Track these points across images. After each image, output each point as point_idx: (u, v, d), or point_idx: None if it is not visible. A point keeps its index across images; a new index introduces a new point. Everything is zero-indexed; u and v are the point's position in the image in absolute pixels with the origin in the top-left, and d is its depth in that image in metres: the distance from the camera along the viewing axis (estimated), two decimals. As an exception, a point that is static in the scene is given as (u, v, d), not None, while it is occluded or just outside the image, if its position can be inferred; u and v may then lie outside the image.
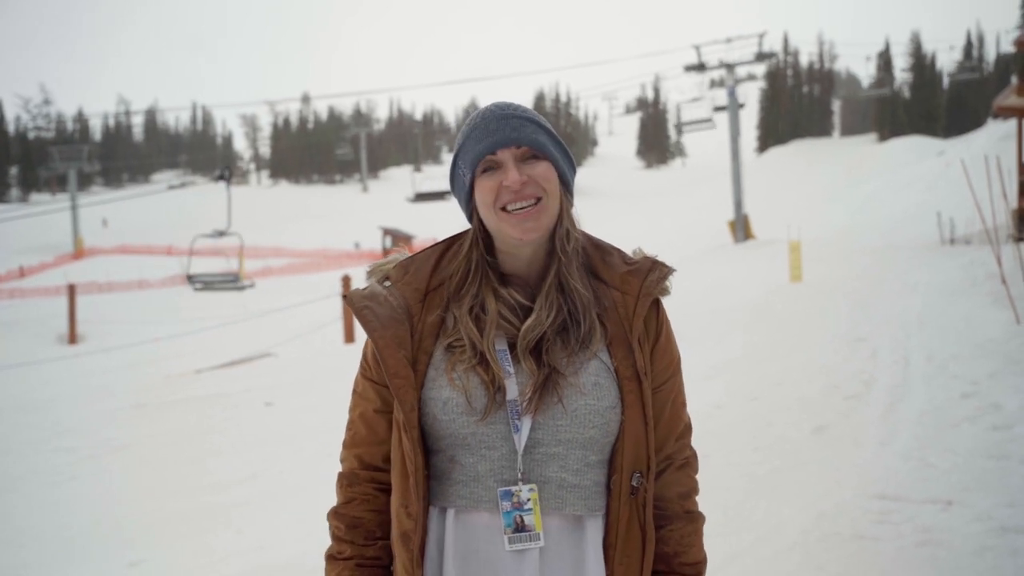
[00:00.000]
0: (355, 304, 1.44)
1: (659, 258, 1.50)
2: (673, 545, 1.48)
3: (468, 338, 1.40)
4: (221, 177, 25.78)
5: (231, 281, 26.69)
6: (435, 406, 1.38)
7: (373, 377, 1.47)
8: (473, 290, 1.44)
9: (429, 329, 1.43)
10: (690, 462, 1.54)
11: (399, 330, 1.41)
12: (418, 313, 1.44)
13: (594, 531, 1.39)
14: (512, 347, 1.41)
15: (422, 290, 1.46)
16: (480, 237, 1.46)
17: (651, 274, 1.47)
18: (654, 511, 1.47)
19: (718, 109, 37.22)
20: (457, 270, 1.46)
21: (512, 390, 1.37)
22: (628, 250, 1.54)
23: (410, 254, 1.52)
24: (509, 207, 1.39)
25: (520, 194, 1.39)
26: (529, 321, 1.40)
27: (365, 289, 1.48)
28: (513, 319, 1.42)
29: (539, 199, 1.40)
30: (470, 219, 1.48)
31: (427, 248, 1.52)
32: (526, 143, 1.40)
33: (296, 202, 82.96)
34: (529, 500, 1.35)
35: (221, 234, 24.11)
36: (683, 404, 1.54)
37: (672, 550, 1.48)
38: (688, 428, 1.55)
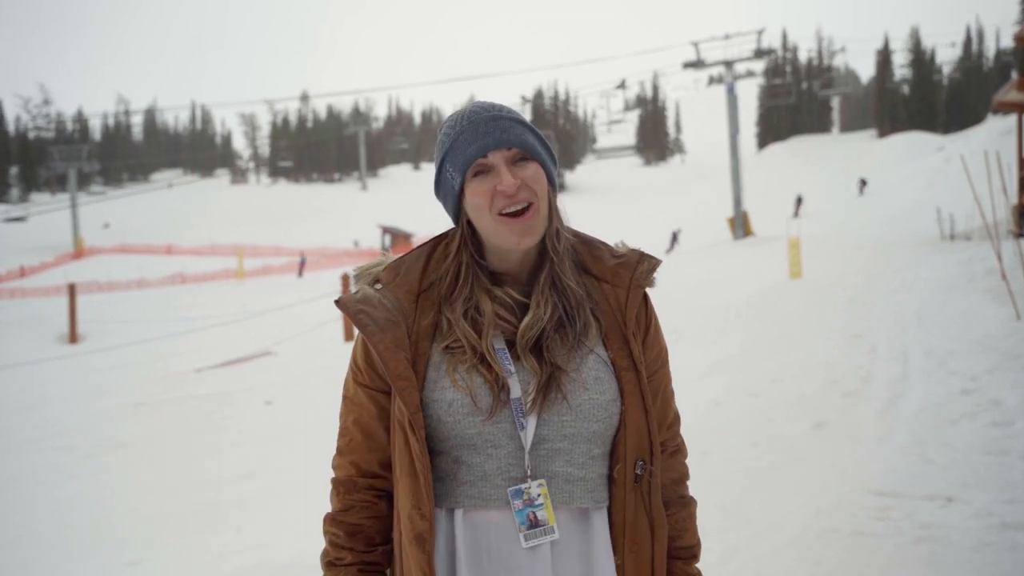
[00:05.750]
0: (350, 309, 1.43)
1: (645, 250, 1.52)
2: (669, 530, 1.50)
3: (466, 340, 1.40)
4: None
5: None
6: (439, 408, 1.37)
7: (366, 382, 1.46)
8: (465, 292, 1.43)
9: (424, 330, 1.43)
10: (680, 448, 1.58)
11: (397, 332, 1.40)
12: (412, 314, 1.43)
13: (600, 523, 1.40)
14: (511, 345, 1.41)
15: (414, 291, 1.45)
16: (469, 239, 1.46)
17: (640, 266, 1.48)
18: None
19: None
20: (447, 272, 1.46)
21: (515, 388, 1.37)
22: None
23: (395, 257, 1.51)
24: (506, 211, 1.39)
25: (515, 198, 1.39)
26: (527, 319, 1.40)
27: (357, 293, 1.46)
28: (510, 317, 1.42)
29: (531, 203, 1.40)
30: (456, 221, 1.47)
31: (414, 249, 1.51)
32: (517, 145, 1.40)
33: (295, 201, 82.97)
34: (540, 495, 1.35)
35: None
36: (672, 394, 1.56)
37: (668, 534, 1.50)
38: (677, 417, 1.58)
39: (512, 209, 1.39)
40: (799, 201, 43.85)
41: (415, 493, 1.37)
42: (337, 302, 1.46)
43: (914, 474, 4.94)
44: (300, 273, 44.00)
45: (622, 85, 39.78)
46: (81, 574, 5.82)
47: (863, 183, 45.64)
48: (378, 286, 1.47)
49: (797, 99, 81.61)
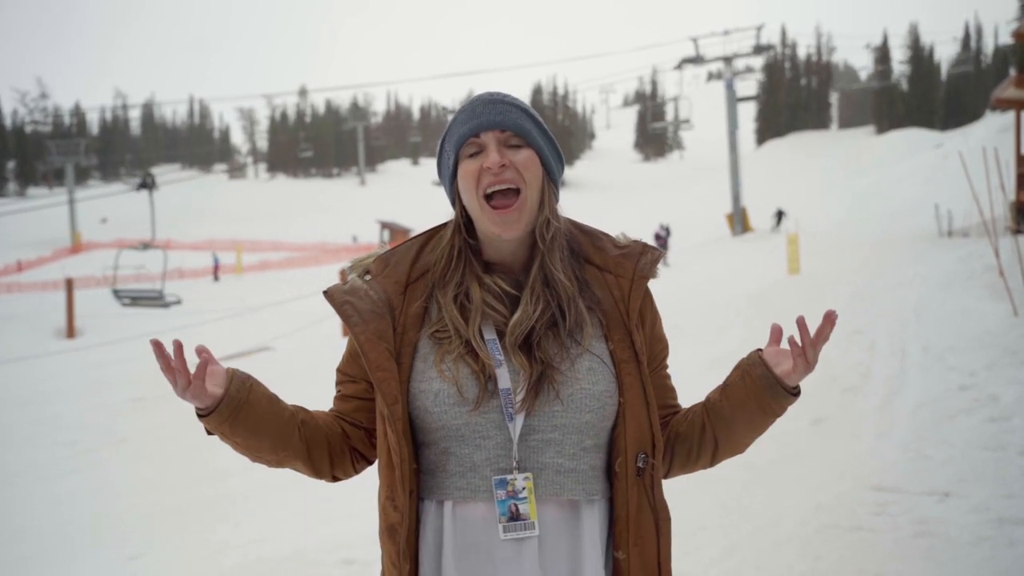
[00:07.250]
0: (336, 300, 1.44)
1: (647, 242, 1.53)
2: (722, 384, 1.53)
3: (453, 326, 1.40)
4: (144, 185, 24.33)
5: (155, 298, 26.15)
6: (426, 399, 1.37)
7: (343, 368, 1.52)
8: (457, 277, 1.44)
9: (412, 321, 1.43)
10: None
11: (380, 324, 1.41)
12: (399, 306, 1.43)
13: (590, 517, 1.38)
14: (501, 336, 1.40)
15: (403, 282, 1.45)
16: (463, 223, 1.46)
17: (643, 257, 1.48)
18: (691, 416, 1.51)
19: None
20: (441, 256, 1.46)
21: (504, 379, 1.36)
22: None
23: (390, 248, 1.52)
24: (489, 190, 1.39)
25: (500, 177, 1.38)
26: (516, 316, 1.40)
27: (345, 284, 1.47)
28: (500, 308, 1.41)
29: (519, 190, 1.39)
30: (453, 203, 1.48)
31: (408, 240, 1.51)
32: (510, 127, 1.40)
33: (294, 196, 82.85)
34: (524, 489, 1.34)
35: (146, 247, 23.59)
36: (670, 378, 1.60)
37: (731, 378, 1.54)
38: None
39: (496, 188, 1.38)
40: (779, 215, 40.49)
41: (390, 484, 1.39)
42: (325, 293, 1.46)
43: (912, 470, 4.96)
44: (215, 276, 41.51)
45: (680, 66, 38.67)
46: (82, 569, 5.83)
47: (780, 214, 37.97)
48: (367, 277, 1.47)
49: (796, 96, 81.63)
